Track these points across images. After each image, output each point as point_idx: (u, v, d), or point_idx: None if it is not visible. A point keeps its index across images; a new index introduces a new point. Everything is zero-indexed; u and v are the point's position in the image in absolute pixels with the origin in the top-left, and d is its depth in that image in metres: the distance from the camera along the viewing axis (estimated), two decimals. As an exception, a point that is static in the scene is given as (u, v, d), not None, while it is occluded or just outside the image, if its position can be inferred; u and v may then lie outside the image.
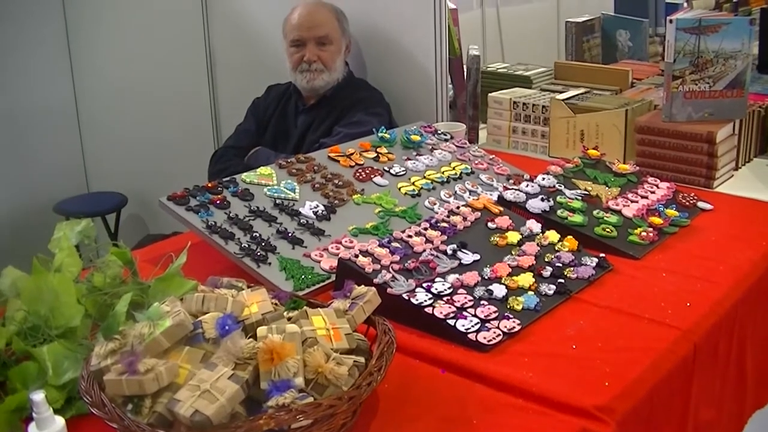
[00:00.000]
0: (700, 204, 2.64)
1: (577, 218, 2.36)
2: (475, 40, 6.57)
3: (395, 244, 2.11)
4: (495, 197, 2.46)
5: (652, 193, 2.62)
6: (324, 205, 2.44)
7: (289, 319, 1.57)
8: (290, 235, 2.29)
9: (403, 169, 2.70)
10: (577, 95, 3.20)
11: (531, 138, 3.21)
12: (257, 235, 2.26)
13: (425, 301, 1.89)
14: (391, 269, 1.98)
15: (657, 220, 2.44)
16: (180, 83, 4.49)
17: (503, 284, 2.01)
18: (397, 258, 2.04)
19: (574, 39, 3.94)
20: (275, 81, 3.63)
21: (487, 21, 6.97)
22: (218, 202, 2.36)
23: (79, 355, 1.61)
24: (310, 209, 2.41)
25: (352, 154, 2.72)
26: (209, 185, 2.43)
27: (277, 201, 2.42)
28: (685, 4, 4.67)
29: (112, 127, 5.00)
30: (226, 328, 1.47)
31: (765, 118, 3.19)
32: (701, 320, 1.98)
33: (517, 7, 7.16)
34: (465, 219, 2.27)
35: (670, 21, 2.87)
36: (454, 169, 2.74)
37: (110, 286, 1.81)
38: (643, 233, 2.36)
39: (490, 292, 1.96)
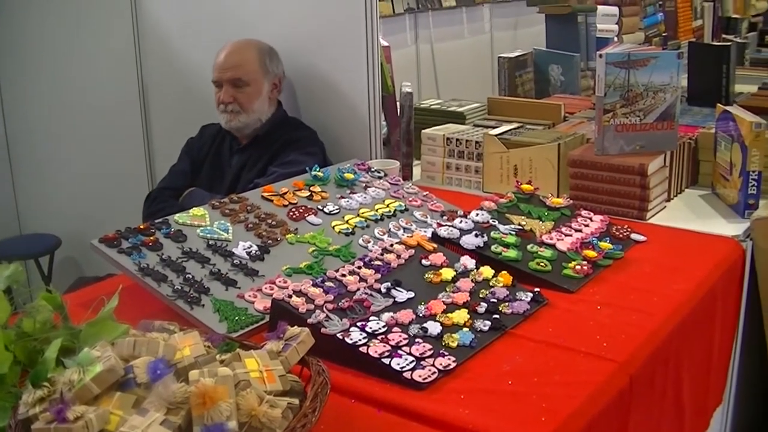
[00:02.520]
0: (634, 236, 2.66)
1: (512, 253, 2.37)
2: (410, 77, 6.60)
3: (329, 284, 2.10)
4: (429, 234, 2.46)
5: (586, 226, 2.64)
6: (257, 246, 2.42)
7: (221, 361, 1.55)
8: (223, 276, 2.27)
9: (337, 207, 2.69)
10: (510, 130, 3.22)
11: (465, 174, 3.22)
12: (190, 276, 2.24)
13: (359, 340, 1.88)
14: (324, 309, 1.97)
15: (591, 253, 2.45)
16: (113, 123, 4.45)
17: (438, 321, 2.00)
18: (330, 297, 2.03)
19: (506, 74, 3.96)
20: (209, 121, 3.61)
21: (422, 57, 7.02)
22: (150, 243, 2.33)
23: (7, 404, 1.57)
24: (244, 250, 2.39)
25: (285, 193, 2.71)
26: (141, 227, 2.41)
27: (210, 242, 2.40)
28: (616, 39, 4.72)
29: (44, 168, 4.94)
30: (158, 372, 1.44)
31: (695, 149, 3.23)
32: (637, 352, 1.99)
33: (451, 43, 7.22)
34: (399, 257, 2.27)
35: (600, 56, 2.90)
36: (388, 206, 2.74)
37: (40, 332, 1.77)
38: (578, 267, 2.37)
39: (425, 329, 1.96)
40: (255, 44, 3.48)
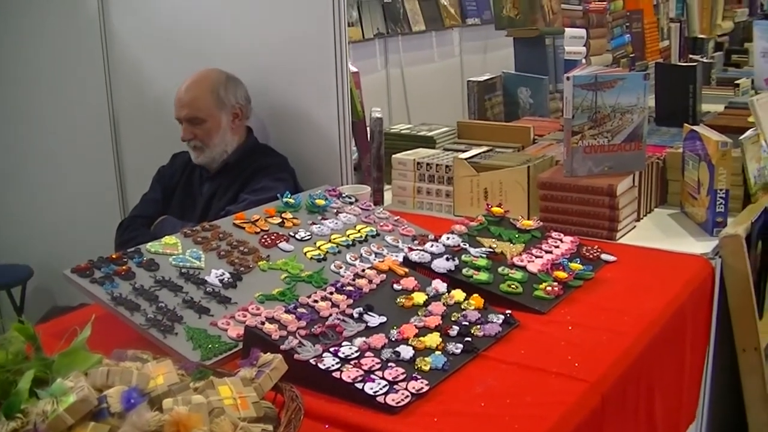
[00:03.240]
0: (604, 256, 2.68)
1: (483, 276, 2.39)
2: (380, 101, 6.64)
3: (301, 310, 2.10)
4: (400, 259, 2.48)
5: (557, 247, 2.66)
6: (230, 273, 2.42)
7: (195, 389, 1.56)
8: (196, 304, 2.27)
9: (309, 233, 2.70)
10: (479, 154, 3.24)
11: (436, 198, 3.24)
12: (163, 305, 2.24)
13: (333, 365, 1.88)
14: (297, 335, 1.98)
15: (561, 274, 2.47)
16: (84, 152, 4.44)
17: (410, 345, 2.01)
18: (303, 323, 2.03)
19: (476, 98, 3.99)
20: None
21: (393, 82, 7.05)
22: (123, 273, 2.33)
23: (-19, 436, 1.57)
24: (216, 277, 2.39)
25: (257, 220, 2.71)
26: (114, 256, 2.41)
27: (183, 270, 2.40)
28: (584, 61, 4.77)
29: (16, 197, 4.92)
30: (131, 401, 1.44)
31: (664, 169, 3.26)
32: (608, 372, 2.00)
33: (421, 67, 7.26)
34: (371, 282, 2.28)
35: (567, 78, 2.93)
36: (359, 231, 2.75)
37: (13, 363, 1.77)
38: (548, 288, 2.39)
39: (398, 353, 1.97)
40: (209, 78, 3.47)
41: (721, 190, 2.90)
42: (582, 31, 4.86)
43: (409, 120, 6.67)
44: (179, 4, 3.79)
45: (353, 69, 3.46)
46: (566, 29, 4.64)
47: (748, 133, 3.24)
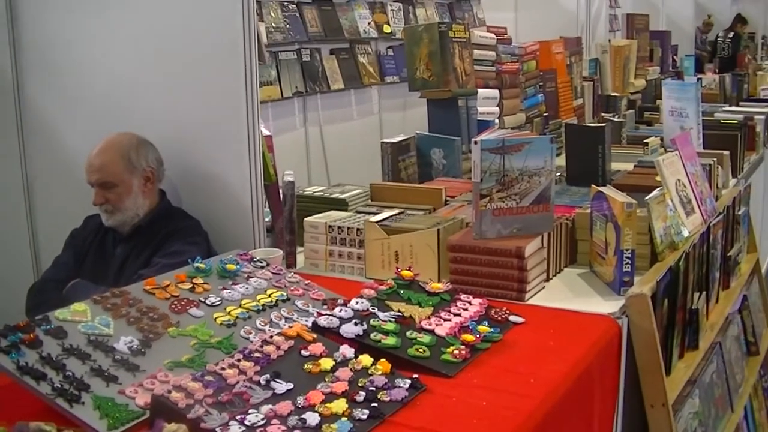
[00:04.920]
0: (512, 318, 2.72)
1: (391, 340, 2.40)
2: (299, 160, 6.69)
3: (208, 378, 2.11)
4: (309, 324, 2.49)
5: (465, 310, 2.69)
6: (139, 340, 2.42)
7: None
8: (104, 372, 2.26)
9: (219, 299, 2.70)
10: (390, 216, 3.27)
11: (348, 260, 3.25)
12: (70, 373, 2.22)
13: (238, 434, 1.89)
14: (204, 403, 1.98)
15: (469, 337, 2.49)
16: (-2, 216, 4.41)
17: (317, 412, 2.02)
18: (210, 391, 2.04)
19: (390, 159, 4.02)
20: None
21: (312, 140, 7.09)
22: (30, 341, 2.30)
23: None
24: (125, 344, 2.38)
25: (167, 285, 2.71)
26: (21, 324, 2.38)
27: (92, 337, 2.39)
28: (497, 121, 4.84)
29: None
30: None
31: (573, 229, 3.32)
32: (513, 435, 2.03)
33: (340, 125, 7.32)
34: (278, 348, 2.29)
35: (475, 142, 2.98)
36: (269, 296, 2.76)
37: None
38: (456, 351, 2.41)
39: (304, 420, 1.97)
40: (120, 142, 3.48)
41: (627, 250, 2.95)
42: (495, 92, 4.93)
43: (328, 178, 6.72)
44: (95, 69, 3.79)
45: (266, 132, 3.48)
46: (479, 90, 4.69)
47: (654, 192, 3.32)
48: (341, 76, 7.33)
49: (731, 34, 15.31)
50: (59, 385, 2.17)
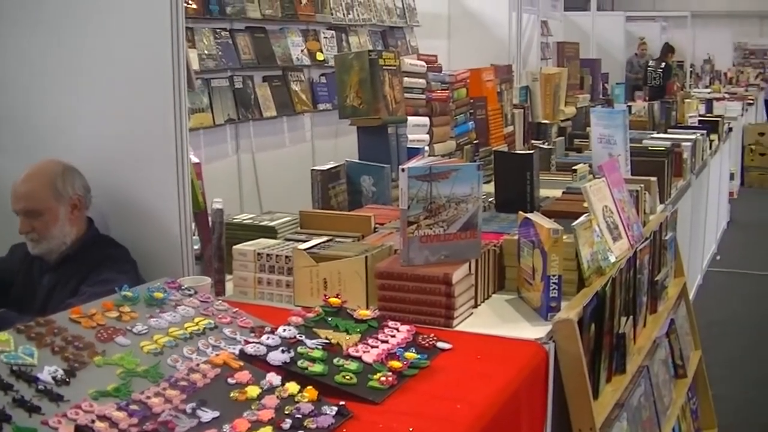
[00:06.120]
0: (440, 344, 2.73)
1: (318, 368, 2.41)
2: (231, 187, 6.69)
3: (134, 407, 2.10)
4: (237, 351, 2.48)
5: (393, 336, 2.69)
6: (64, 369, 2.39)
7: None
8: (27, 402, 2.23)
9: (146, 327, 2.67)
10: (319, 244, 3.28)
11: (276, 288, 3.25)
12: (-8, 405, 2.20)
13: (162, 464, 1.88)
14: (128, 433, 1.97)
15: (396, 364, 2.50)
16: None
17: (242, 440, 2.02)
18: (135, 420, 2.03)
19: (320, 187, 4.03)
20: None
21: (244, 167, 7.08)
22: (-48, 372, 2.29)
23: None
24: (49, 374, 2.35)
25: (94, 314, 2.68)
26: (-58, 356, 2.36)
27: (14, 368, 2.36)
28: (427, 148, 4.87)
29: None
30: None
31: (500, 255, 3.35)
32: (438, 462, 2.04)
33: (272, 153, 7.33)
34: (205, 376, 2.28)
35: (402, 170, 2.99)
36: (197, 324, 2.74)
37: None
38: (383, 378, 2.42)
39: (229, 449, 1.98)
40: (45, 169, 3.45)
41: (553, 275, 2.99)
42: (425, 120, 4.96)
43: (260, 206, 6.71)
44: (21, 94, 3.76)
45: (194, 159, 3.47)
46: (409, 117, 4.72)
47: (581, 219, 3.36)
48: (274, 103, 7.34)
49: (663, 65, 15.57)
50: (-20, 418, 2.14)
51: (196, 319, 2.78)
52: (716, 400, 5.11)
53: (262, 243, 3.38)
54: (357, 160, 4.39)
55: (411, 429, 2.19)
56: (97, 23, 3.48)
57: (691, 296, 6.03)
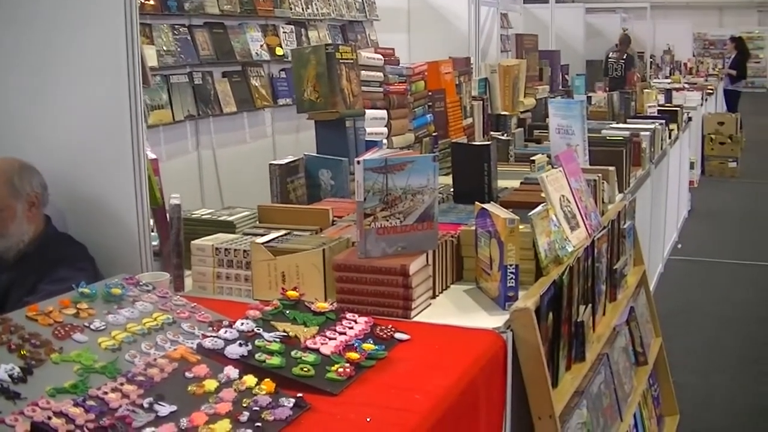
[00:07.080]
0: (398, 335, 2.75)
1: (275, 360, 2.42)
2: (192, 184, 6.67)
3: (90, 402, 2.10)
4: (195, 346, 2.49)
5: (350, 328, 2.71)
6: (20, 367, 2.38)
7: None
8: (-17, 402, 2.23)
9: (104, 323, 2.67)
10: (277, 237, 3.28)
11: (235, 282, 3.25)
12: (-52, 405, 2.19)
13: (118, 458, 1.89)
14: (86, 428, 1.98)
15: (354, 355, 2.52)
16: None
17: (199, 433, 2.03)
18: (92, 416, 2.04)
19: (278, 181, 4.03)
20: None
21: (205, 164, 7.06)
22: None
23: None
24: (6, 372, 2.35)
25: (51, 312, 2.68)
26: None
27: (-30, 367, 2.36)
28: (385, 141, 4.88)
29: None
30: None
31: (458, 246, 3.37)
32: (397, 451, 2.05)
33: (233, 148, 7.30)
34: (162, 370, 2.29)
35: (358, 162, 3.01)
36: (155, 320, 2.74)
37: None
38: (340, 369, 2.44)
39: (186, 442, 1.98)
40: (2, 168, 3.43)
41: (510, 265, 3.01)
42: (383, 113, 4.97)
43: (222, 201, 6.69)
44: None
45: (151, 155, 3.47)
46: (367, 111, 4.73)
47: (538, 208, 3.38)
48: (234, 99, 7.31)
49: (625, 56, 15.64)
50: (-64, 418, 2.14)
51: (155, 315, 2.78)
52: (678, 387, 5.16)
53: (221, 238, 3.38)
54: (315, 154, 4.40)
55: (368, 419, 2.21)
56: (51, 20, 3.47)
57: (652, 284, 6.10)
